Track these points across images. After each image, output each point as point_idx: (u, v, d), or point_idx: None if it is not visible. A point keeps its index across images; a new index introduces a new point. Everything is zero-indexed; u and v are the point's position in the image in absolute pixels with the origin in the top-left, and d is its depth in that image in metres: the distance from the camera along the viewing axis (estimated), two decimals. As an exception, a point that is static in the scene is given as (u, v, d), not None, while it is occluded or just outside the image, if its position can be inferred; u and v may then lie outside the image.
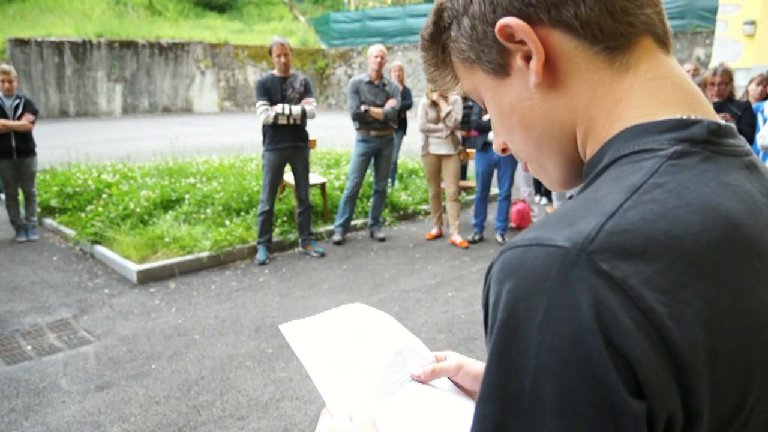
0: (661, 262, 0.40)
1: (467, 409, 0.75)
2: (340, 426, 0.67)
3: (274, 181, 5.09)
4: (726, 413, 0.42)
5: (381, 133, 5.58)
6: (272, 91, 4.88)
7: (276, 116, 4.84)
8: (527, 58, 0.52)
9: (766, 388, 0.44)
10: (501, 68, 0.54)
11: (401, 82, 7.17)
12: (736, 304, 0.42)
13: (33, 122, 5.65)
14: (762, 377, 0.44)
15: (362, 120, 5.47)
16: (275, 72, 4.93)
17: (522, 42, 0.51)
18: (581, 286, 0.39)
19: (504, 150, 0.64)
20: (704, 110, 0.51)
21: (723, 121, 0.50)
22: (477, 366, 0.79)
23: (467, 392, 0.80)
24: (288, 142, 5.00)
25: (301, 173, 5.25)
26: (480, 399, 0.44)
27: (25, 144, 5.63)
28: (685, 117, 0.49)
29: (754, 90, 5.22)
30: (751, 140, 4.41)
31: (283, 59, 4.85)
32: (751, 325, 0.43)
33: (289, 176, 5.63)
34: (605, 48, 0.50)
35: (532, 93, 0.53)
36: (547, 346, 0.40)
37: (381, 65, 5.45)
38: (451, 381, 0.81)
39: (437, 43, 0.61)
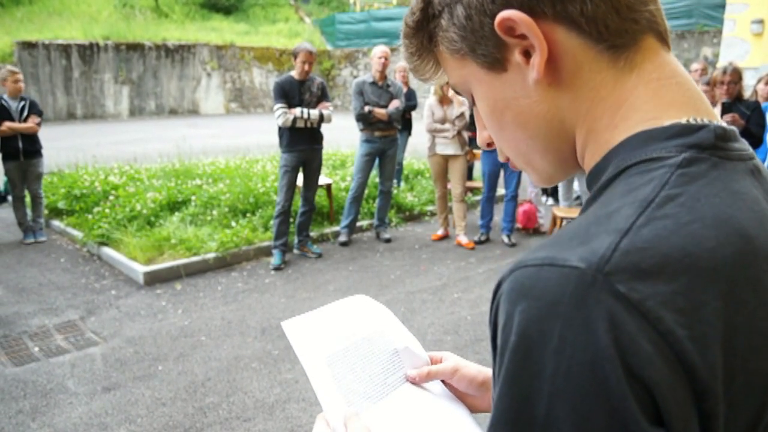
0: (680, 282, 0.39)
1: (455, 416, 0.77)
2: None
3: (292, 183, 5.13)
4: (740, 431, 0.41)
5: (385, 133, 5.59)
6: (290, 94, 4.92)
7: (294, 119, 4.88)
8: (527, 54, 0.49)
9: None
10: (497, 62, 0.51)
11: (406, 83, 7.17)
12: (753, 321, 0.41)
13: (39, 124, 5.69)
14: None
15: (366, 121, 5.47)
16: (294, 75, 4.96)
17: (522, 36, 0.48)
18: (598, 310, 0.38)
19: (489, 144, 0.62)
20: (708, 112, 0.49)
21: (727, 125, 0.49)
22: (473, 369, 0.79)
23: (461, 395, 0.80)
24: (305, 144, 5.06)
25: (314, 174, 5.29)
26: (492, 424, 0.42)
27: (31, 145, 5.67)
28: (691, 121, 0.47)
29: (763, 89, 5.18)
30: (761, 140, 4.38)
31: (306, 66, 4.91)
32: (766, 342, 0.42)
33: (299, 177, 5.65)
34: (610, 47, 0.48)
35: (530, 90, 0.51)
36: (562, 371, 0.38)
37: (384, 66, 5.46)
38: (445, 384, 0.81)
39: (423, 32, 0.57)
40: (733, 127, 0.50)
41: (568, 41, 0.48)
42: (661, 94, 0.49)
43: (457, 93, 0.60)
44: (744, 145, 0.50)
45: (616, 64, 0.49)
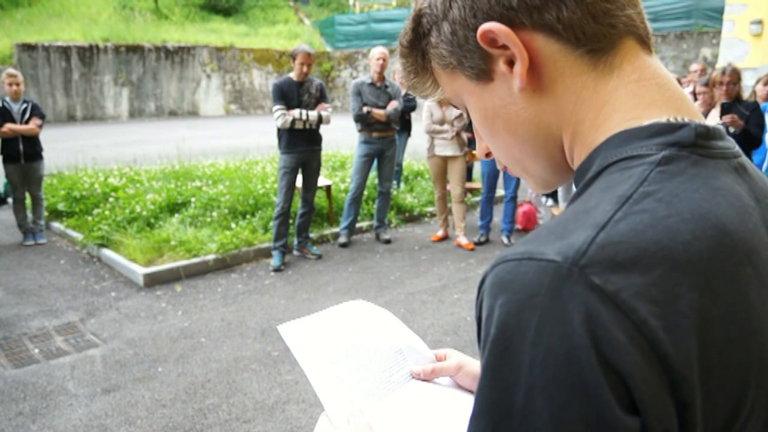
0: (654, 274, 0.40)
1: (468, 402, 0.76)
2: (338, 431, 0.68)
3: (291, 184, 5.13)
4: (720, 424, 0.42)
5: (383, 134, 5.60)
6: (289, 95, 4.93)
7: (293, 121, 4.89)
8: (510, 63, 0.51)
9: (760, 398, 0.43)
10: (484, 73, 0.54)
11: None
12: (729, 313, 0.42)
13: (40, 126, 5.70)
14: (756, 387, 0.43)
15: (364, 121, 5.49)
16: (292, 76, 4.97)
17: (505, 47, 0.50)
18: (573, 301, 0.39)
19: (488, 155, 0.64)
20: (690, 111, 0.50)
21: (710, 123, 0.49)
22: (477, 366, 0.80)
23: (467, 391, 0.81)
24: (303, 145, 5.07)
25: (313, 175, 5.30)
26: (473, 415, 0.43)
27: (32, 148, 5.68)
28: (672, 120, 0.48)
29: (762, 90, 5.19)
30: (760, 141, 4.38)
31: (305, 68, 4.93)
32: (744, 335, 0.42)
33: (298, 178, 5.65)
34: (588, 51, 0.50)
35: (516, 98, 0.53)
36: (539, 362, 0.39)
37: (383, 67, 5.47)
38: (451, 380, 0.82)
39: (416, 50, 0.60)
40: (719, 126, 0.51)
41: (548, 48, 0.50)
42: (641, 94, 0.50)
43: (454, 106, 0.62)
44: (729, 143, 0.50)
45: (596, 68, 0.51)
